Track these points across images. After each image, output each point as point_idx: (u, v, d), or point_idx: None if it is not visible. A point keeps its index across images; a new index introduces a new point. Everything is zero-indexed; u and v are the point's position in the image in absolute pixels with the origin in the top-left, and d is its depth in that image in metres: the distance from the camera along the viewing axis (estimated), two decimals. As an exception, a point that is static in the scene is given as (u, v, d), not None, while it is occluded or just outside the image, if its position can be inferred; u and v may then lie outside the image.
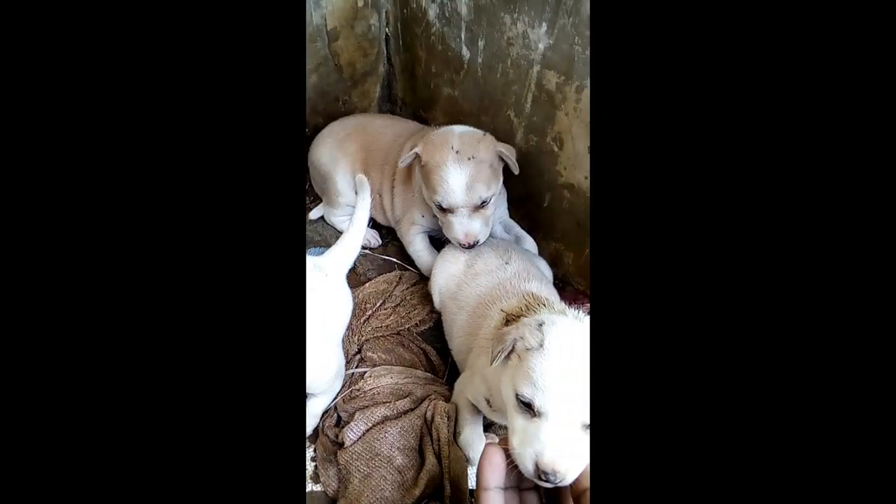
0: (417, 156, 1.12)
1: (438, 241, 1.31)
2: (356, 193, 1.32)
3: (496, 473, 0.55)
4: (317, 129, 1.43)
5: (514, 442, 0.67)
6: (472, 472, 0.98)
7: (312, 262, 1.04)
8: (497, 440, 1.04)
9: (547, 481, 0.61)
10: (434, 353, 1.19)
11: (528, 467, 0.62)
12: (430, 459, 0.94)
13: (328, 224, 1.47)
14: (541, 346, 0.70)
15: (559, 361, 0.68)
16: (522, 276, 1.06)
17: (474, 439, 0.98)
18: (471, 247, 1.13)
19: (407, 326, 1.21)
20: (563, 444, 0.64)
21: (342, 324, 1.10)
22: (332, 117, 1.44)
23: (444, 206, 1.11)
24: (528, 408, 0.68)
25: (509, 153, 1.14)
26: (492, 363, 0.76)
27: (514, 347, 0.74)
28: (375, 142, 1.34)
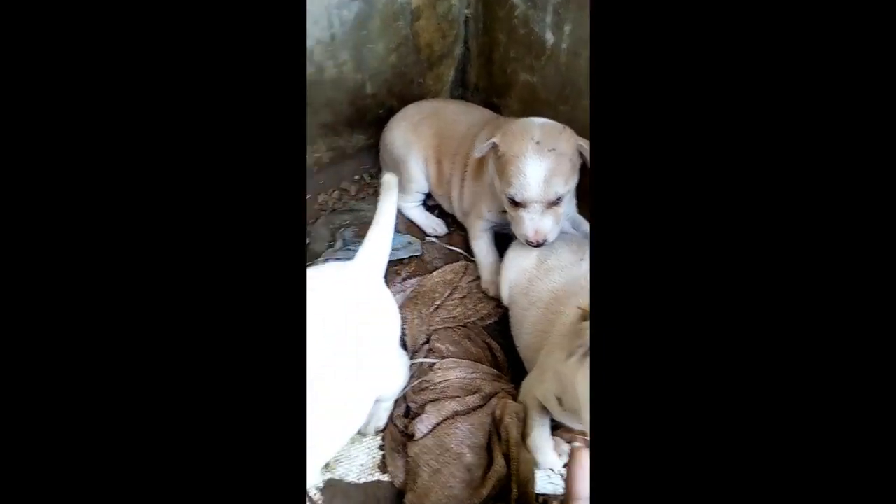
0: (495, 145, 1.08)
1: (504, 238, 1.27)
2: (426, 180, 1.29)
3: (588, 480, 0.51)
4: (391, 112, 1.41)
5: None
6: (538, 475, 0.97)
7: (348, 272, 0.91)
8: (569, 444, 1.02)
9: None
10: (499, 349, 1.16)
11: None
12: (499, 460, 0.93)
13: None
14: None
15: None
16: None
17: (543, 442, 0.96)
18: (538, 245, 1.09)
19: (473, 319, 1.19)
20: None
21: (398, 327, 1.01)
22: (405, 100, 1.41)
23: (518, 199, 1.07)
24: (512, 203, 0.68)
25: (589, 148, 1.08)
26: (567, 359, 0.74)
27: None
28: (449, 129, 1.31)
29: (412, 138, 1.32)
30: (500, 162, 1.08)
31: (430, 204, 1.43)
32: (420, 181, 1.34)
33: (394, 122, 1.37)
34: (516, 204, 1.07)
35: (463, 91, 1.56)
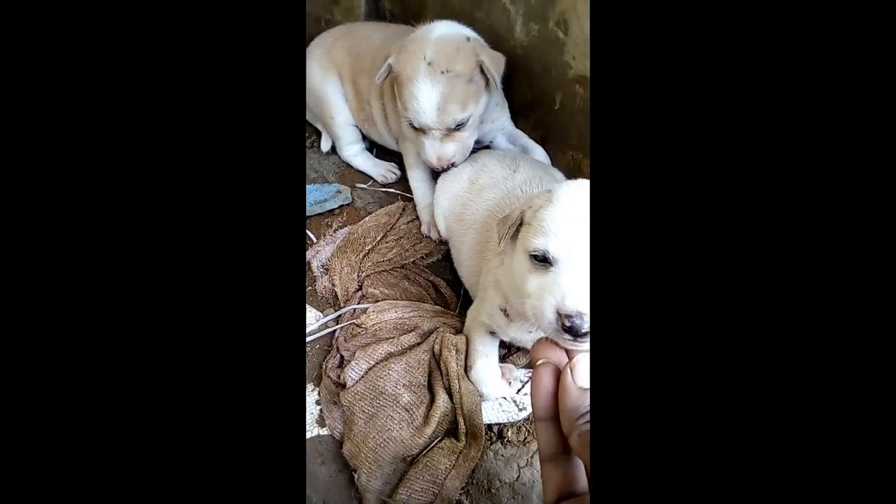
0: (390, 66, 0.97)
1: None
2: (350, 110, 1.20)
3: (550, 399, 0.48)
4: (299, 54, 1.29)
5: (532, 301, 0.64)
6: (487, 406, 0.90)
7: None
8: (515, 369, 0.96)
9: (572, 327, 0.57)
10: (444, 286, 1.09)
11: (549, 317, 0.60)
12: (442, 395, 0.86)
13: (324, 157, 1.35)
14: (550, 201, 0.66)
15: (571, 210, 0.64)
16: (534, 182, 0.93)
17: (487, 374, 0.89)
18: (445, 170, 1.03)
19: (412, 259, 1.11)
20: (582, 286, 0.60)
21: None
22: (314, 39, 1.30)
23: (416, 125, 0.98)
24: (542, 261, 0.64)
25: (494, 63, 0.97)
26: (500, 242, 0.73)
27: (522, 220, 0.70)
28: (364, 46, 1.20)
29: (327, 64, 1.22)
30: (396, 83, 0.98)
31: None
32: (343, 111, 1.24)
33: (308, 53, 1.26)
34: (416, 129, 0.98)
35: (379, 20, 1.43)
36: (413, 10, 1.32)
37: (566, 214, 0.64)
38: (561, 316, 0.58)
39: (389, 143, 1.26)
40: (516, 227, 0.71)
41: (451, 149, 0.99)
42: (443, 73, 0.93)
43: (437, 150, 0.99)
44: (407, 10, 1.35)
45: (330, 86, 1.23)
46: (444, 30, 1.00)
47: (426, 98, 0.94)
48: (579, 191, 0.67)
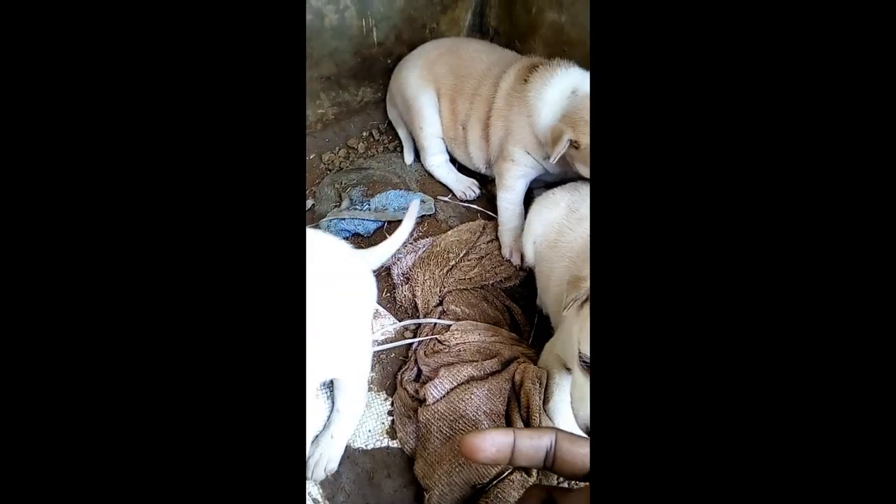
0: (571, 142, 0.95)
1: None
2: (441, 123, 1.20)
3: None
4: (399, 59, 1.30)
5: (574, 395, 0.68)
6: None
7: (344, 250, 0.90)
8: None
9: None
10: (519, 312, 1.08)
11: (581, 423, 0.65)
12: (519, 427, 0.85)
13: (407, 166, 1.35)
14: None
15: None
16: None
17: (564, 408, 0.88)
18: None
19: (492, 281, 1.10)
20: None
21: (369, 314, 0.96)
22: (416, 46, 1.30)
23: None
24: (588, 367, 0.66)
25: None
26: (563, 310, 0.72)
27: (587, 297, 0.69)
28: (467, 67, 1.19)
29: (426, 76, 1.22)
30: (585, 153, 0.96)
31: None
32: (435, 123, 1.23)
33: (408, 61, 1.26)
34: None
35: (482, 37, 1.43)
36: (521, 31, 1.32)
37: None
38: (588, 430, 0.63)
39: (477, 165, 1.25)
40: (582, 301, 0.71)
41: None
42: None
43: None
44: (514, 30, 1.35)
45: (425, 97, 1.23)
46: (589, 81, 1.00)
47: None
48: None
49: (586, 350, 0.65)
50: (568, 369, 0.89)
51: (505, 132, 1.13)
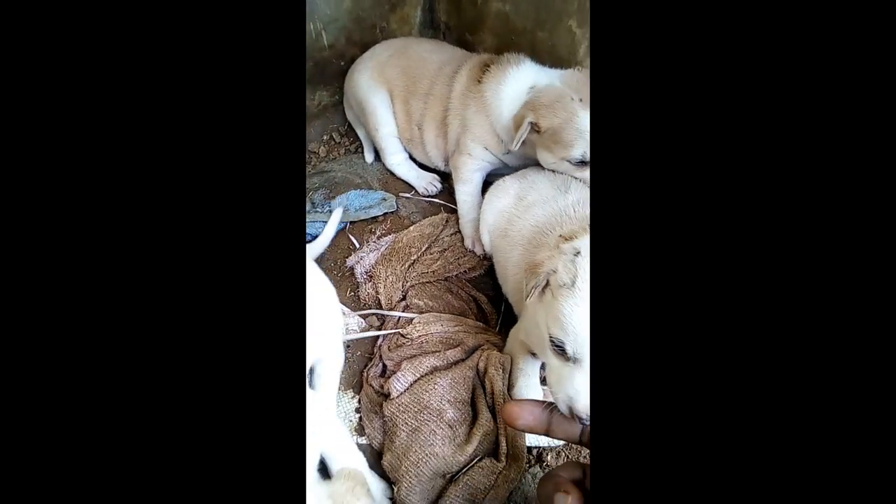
0: (532, 125, 0.97)
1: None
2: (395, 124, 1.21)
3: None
4: (352, 61, 1.30)
5: (550, 380, 0.68)
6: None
7: None
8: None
9: (581, 422, 0.58)
10: (486, 301, 1.08)
11: (562, 407, 0.63)
12: (485, 414, 0.86)
13: (369, 166, 1.36)
14: (573, 283, 0.64)
15: (582, 301, 0.62)
16: (584, 203, 0.92)
17: (529, 392, 0.89)
18: None
19: (456, 273, 1.11)
20: (586, 386, 0.62)
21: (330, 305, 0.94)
22: (368, 47, 1.31)
23: (588, 157, 0.98)
24: (561, 352, 0.66)
25: None
26: (526, 298, 0.71)
27: (548, 282, 0.68)
28: (418, 68, 1.20)
29: (378, 79, 1.22)
30: (547, 135, 0.97)
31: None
32: (389, 123, 1.24)
33: (359, 65, 1.27)
34: (583, 163, 0.98)
35: (434, 32, 1.45)
36: (469, 24, 1.33)
37: (587, 310, 0.62)
38: (572, 412, 0.62)
39: (436, 163, 1.27)
40: (542, 287, 0.70)
41: None
42: (581, 100, 0.96)
43: None
44: (463, 24, 1.36)
45: (377, 98, 1.24)
46: (551, 76, 1.02)
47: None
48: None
49: (556, 333, 0.65)
50: (533, 354, 0.89)
51: (462, 129, 1.14)
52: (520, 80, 1.03)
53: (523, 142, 0.98)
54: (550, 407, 0.50)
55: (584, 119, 0.94)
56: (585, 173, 0.99)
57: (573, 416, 0.61)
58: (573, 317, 0.63)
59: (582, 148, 0.96)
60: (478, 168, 1.15)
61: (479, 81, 1.08)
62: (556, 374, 0.67)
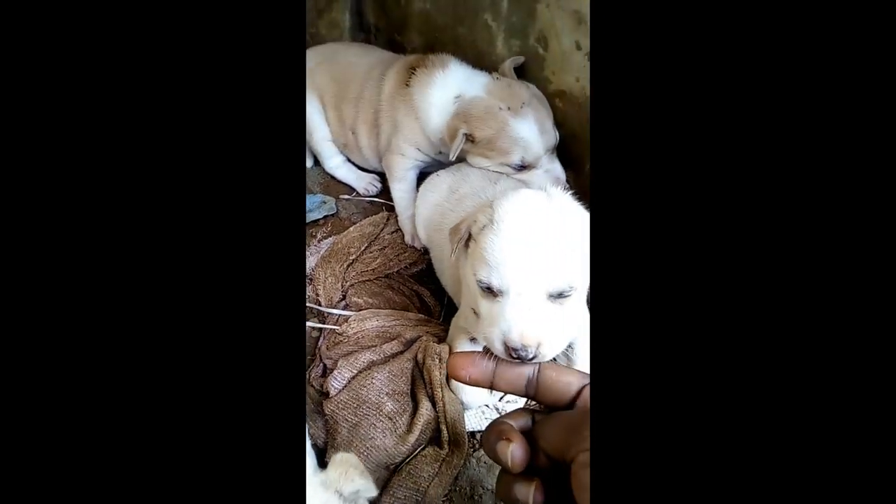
0: (466, 136, 1.00)
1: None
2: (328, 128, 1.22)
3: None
4: (283, 68, 1.31)
5: (482, 325, 0.66)
6: (470, 413, 0.91)
7: None
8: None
9: (519, 356, 0.60)
10: (429, 294, 1.10)
11: (497, 347, 0.62)
12: (425, 404, 0.87)
13: (309, 171, 1.36)
14: (491, 221, 0.66)
15: (510, 234, 0.63)
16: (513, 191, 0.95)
17: (470, 380, 0.91)
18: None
19: (397, 269, 1.12)
20: (527, 318, 0.62)
21: None
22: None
23: (527, 162, 1.01)
24: (489, 291, 0.65)
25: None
26: (451, 256, 0.73)
27: (470, 234, 0.70)
28: (347, 73, 1.22)
29: (308, 86, 1.23)
30: (483, 144, 1.00)
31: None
32: (322, 128, 1.25)
33: None
34: (523, 167, 1.01)
35: (364, 35, 1.46)
36: (397, 24, 1.35)
37: (506, 239, 0.63)
38: (507, 346, 0.61)
39: (374, 165, 1.28)
40: (465, 240, 0.72)
41: (558, 164, 1.04)
42: (522, 105, 0.99)
43: (554, 172, 1.02)
44: (391, 25, 1.37)
45: (309, 106, 1.25)
46: (477, 80, 1.05)
47: (528, 131, 0.98)
48: (521, 207, 0.66)
49: (481, 272, 0.65)
50: (472, 340, 0.91)
51: (393, 130, 1.16)
52: (447, 86, 1.06)
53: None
54: (494, 357, 0.50)
55: (515, 127, 0.98)
56: (524, 175, 1.02)
57: (510, 353, 0.60)
58: (495, 250, 0.64)
59: (520, 154, 0.99)
60: (411, 166, 1.17)
61: (406, 85, 1.10)
62: (487, 314, 0.66)
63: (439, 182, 1.08)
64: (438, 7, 1.18)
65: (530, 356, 0.60)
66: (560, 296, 0.65)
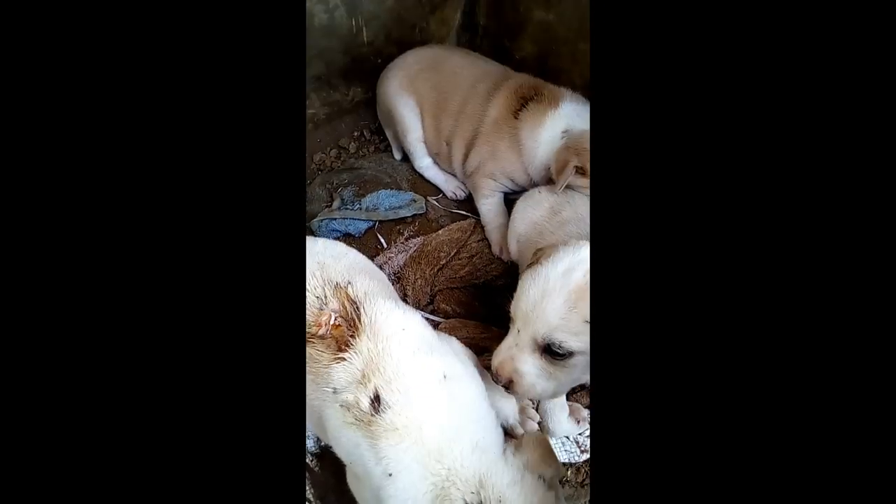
0: (577, 168, 0.96)
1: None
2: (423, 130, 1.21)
3: None
4: (390, 59, 1.30)
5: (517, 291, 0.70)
6: (553, 443, 0.89)
7: None
8: (583, 409, 0.94)
9: (498, 382, 0.69)
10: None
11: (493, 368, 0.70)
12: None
13: (398, 163, 1.35)
14: (546, 258, 0.69)
15: (539, 277, 0.66)
16: None
17: (554, 409, 0.88)
18: None
19: (483, 280, 1.10)
20: (510, 353, 0.68)
21: None
22: (406, 46, 1.30)
23: None
24: (510, 318, 0.70)
25: None
26: (520, 273, 0.75)
27: (538, 260, 0.72)
28: (451, 84, 1.19)
29: (407, 90, 1.22)
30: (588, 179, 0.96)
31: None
32: (417, 129, 1.23)
33: (389, 72, 1.26)
34: None
35: (471, 35, 1.43)
36: (509, 30, 1.32)
37: (534, 281, 0.66)
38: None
39: (461, 177, 1.27)
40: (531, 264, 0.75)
41: None
42: None
43: None
44: (502, 30, 1.35)
45: (406, 107, 1.23)
46: (587, 112, 1.02)
47: None
48: (569, 258, 0.66)
49: (514, 309, 0.70)
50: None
51: (491, 156, 1.14)
52: (556, 123, 1.03)
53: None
54: None
55: None
56: None
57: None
58: (525, 282, 0.67)
59: None
60: (498, 188, 1.16)
61: (515, 117, 1.08)
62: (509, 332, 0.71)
63: (541, 200, 1.04)
64: (563, 19, 1.15)
65: (501, 384, 0.69)
66: (552, 353, 0.66)
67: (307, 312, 0.66)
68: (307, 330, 0.65)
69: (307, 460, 0.88)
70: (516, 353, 0.67)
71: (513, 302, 0.69)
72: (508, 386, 0.69)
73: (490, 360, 0.93)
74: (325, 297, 0.67)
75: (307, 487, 0.86)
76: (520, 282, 0.70)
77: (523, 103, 1.07)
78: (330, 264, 0.73)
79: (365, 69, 1.35)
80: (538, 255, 0.74)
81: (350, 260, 0.79)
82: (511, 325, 0.70)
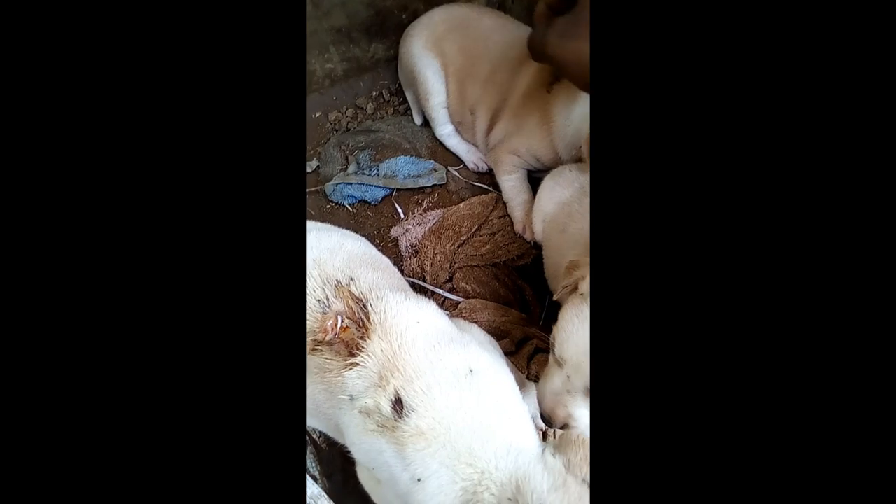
0: None
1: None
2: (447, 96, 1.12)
3: None
4: (415, 15, 1.20)
5: (543, 374, 0.68)
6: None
7: None
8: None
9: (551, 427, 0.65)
10: (531, 293, 1.03)
11: (538, 401, 0.67)
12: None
13: (417, 129, 1.27)
14: (586, 295, 0.64)
15: (588, 319, 0.61)
16: None
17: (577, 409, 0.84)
18: None
19: (504, 259, 1.05)
20: (561, 400, 0.64)
21: None
22: (434, 3, 1.20)
23: None
24: (553, 351, 0.66)
25: None
26: (554, 297, 0.71)
27: (577, 286, 0.68)
28: (480, 48, 1.10)
29: (432, 51, 1.12)
30: None
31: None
32: (441, 93, 1.15)
33: (413, 30, 1.16)
34: None
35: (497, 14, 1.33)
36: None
37: (583, 321, 0.62)
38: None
39: (483, 147, 1.19)
40: (571, 288, 0.69)
41: None
42: None
43: None
44: (537, -9, 1.25)
45: (430, 69, 1.14)
46: None
47: None
48: None
49: (555, 334, 0.65)
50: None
51: (517, 130, 1.06)
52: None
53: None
54: None
55: None
56: None
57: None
58: (571, 322, 0.63)
59: None
60: (522, 165, 1.09)
61: (547, 91, 0.99)
62: (548, 366, 0.68)
63: (571, 179, 0.98)
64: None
65: (555, 427, 0.65)
66: None
67: (309, 318, 0.60)
68: (312, 338, 0.59)
69: (315, 437, 0.84)
70: (569, 400, 0.63)
71: (557, 339, 0.64)
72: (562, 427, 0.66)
73: (509, 345, 0.89)
74: (327, 298, 0.61)
75: (314, 464, 0.82)
76: (564, 315, 0.64)
77: (557, 76, 0.99)
78: (327, 260, 0.66)
79: (389, 25, 1.26)
80: (573, 272, 0.69)
81: (348, 251, 0.71)
82: (556, 364, 0.65)
